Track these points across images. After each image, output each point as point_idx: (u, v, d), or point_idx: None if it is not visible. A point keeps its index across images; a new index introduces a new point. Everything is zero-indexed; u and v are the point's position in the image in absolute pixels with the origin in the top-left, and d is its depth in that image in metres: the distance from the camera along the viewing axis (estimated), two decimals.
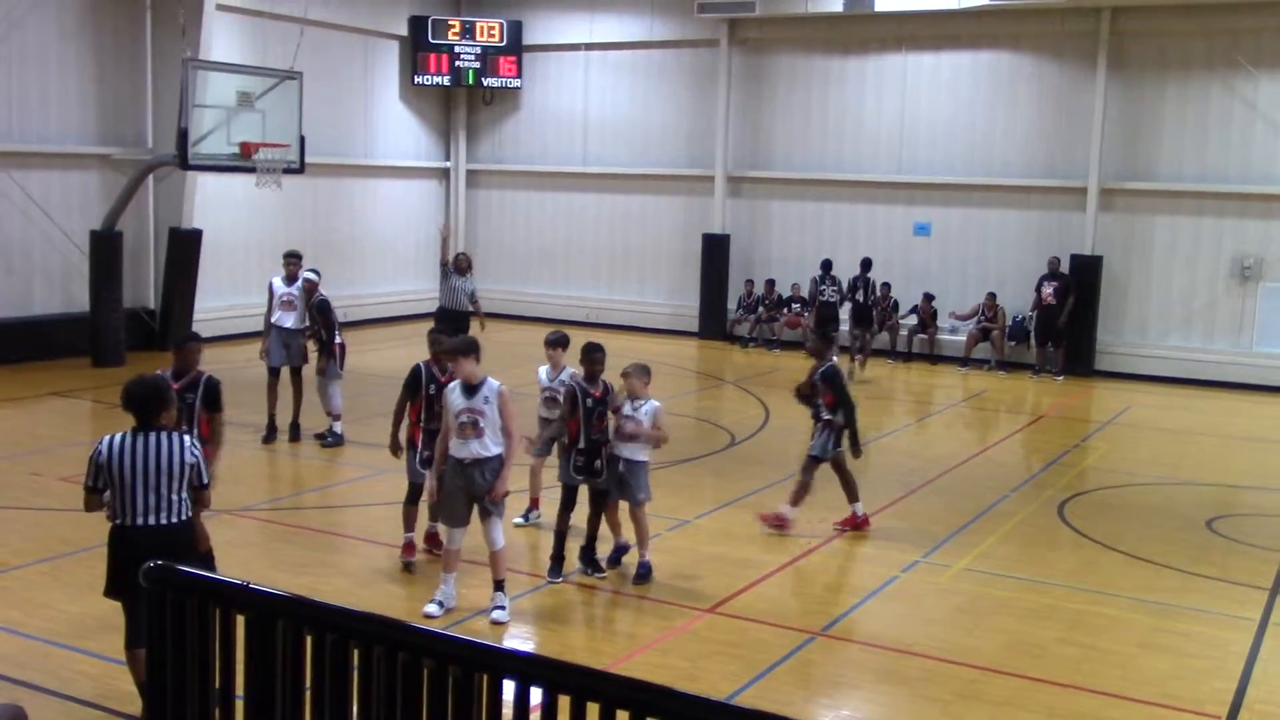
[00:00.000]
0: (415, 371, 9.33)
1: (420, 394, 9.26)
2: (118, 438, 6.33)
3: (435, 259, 25.66)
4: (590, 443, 9.16)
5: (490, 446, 8.16)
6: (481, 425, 8.11)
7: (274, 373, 13.53)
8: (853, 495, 10.76)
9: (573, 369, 9.95)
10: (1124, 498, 12.59)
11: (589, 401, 9.15)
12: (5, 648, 7.35)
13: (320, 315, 13.37)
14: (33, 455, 12.26)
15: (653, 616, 8.63)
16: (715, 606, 8.78)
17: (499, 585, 8.37)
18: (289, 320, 13.48)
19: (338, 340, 13.36)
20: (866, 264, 20.32)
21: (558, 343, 10.31)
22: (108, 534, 6.44)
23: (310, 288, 13.46)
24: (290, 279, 13.59)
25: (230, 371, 14.20)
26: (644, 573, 9.18)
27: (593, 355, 9.18)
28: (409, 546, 9.43)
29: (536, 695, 4.05)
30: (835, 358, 10.58)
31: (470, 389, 8.14)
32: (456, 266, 17.40)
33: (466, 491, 8.21)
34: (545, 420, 10.24)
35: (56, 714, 6.73)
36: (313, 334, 13.56)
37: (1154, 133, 20.07)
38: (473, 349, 8.21)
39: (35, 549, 9.09)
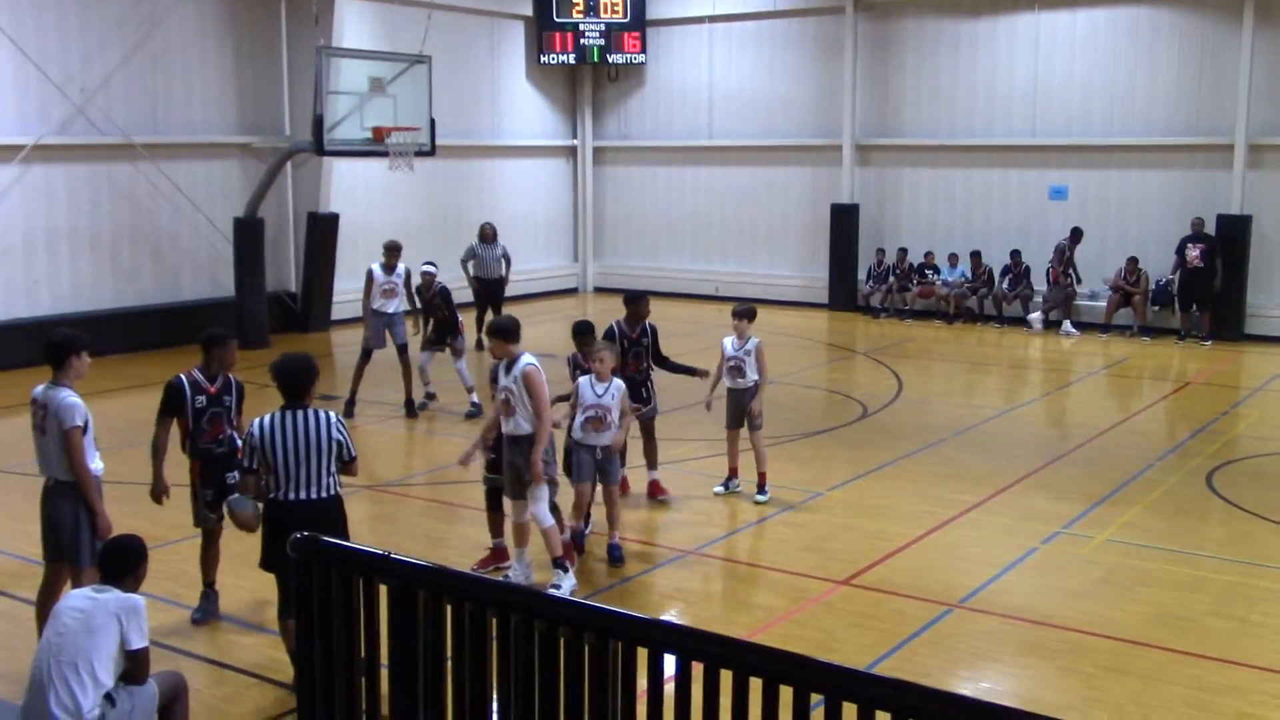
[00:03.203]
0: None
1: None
2: (268, 418, 6.56)
3: (567, 235, 26.17)
4: (628, 379, 9.87)
5: (522, 424, 8.14)
6: (512, 403, 8.13)
7: (367, 355, 14.07)
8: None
9: (758, 339, 10.49)
10: (1278, 466, 12.09)
11: (625, 343, 10.29)
12: (164, 619, 7.68)
13: (444, 302, 13.96)
14: None
15: (787, 589, 8.60)
16: (850, 578, 8.72)
17: (556, 562, 8.31)
18: (391, 306, 14.06)
19: (459, 320, 14.09)
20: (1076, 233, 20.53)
21: (744, 314, 10.51)
22: (264, 509, 6.69)
23: (430, 280, 13.96)
24: (389, 268, 14.13)
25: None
26: (617, 555, 9.00)
27: (637, 304, 10.49)
28: (494, 554, 8.90)
29: (671, 663, 4.08)
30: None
31: (509, 367, 8.20)
32: (482, 236, 18.01)
33: (513, 467, 8.29)
34: (732, 391, 10.50)
35: (214, 682, 7.03)
36: (440, 319, 14.04)
37: None
38: (500, 332, 8.22)
39: (189, 524, 9.45)
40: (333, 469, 6.61)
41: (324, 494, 6.57)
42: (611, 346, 9.26)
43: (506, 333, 8.26)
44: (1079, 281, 20.50)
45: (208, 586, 8.02)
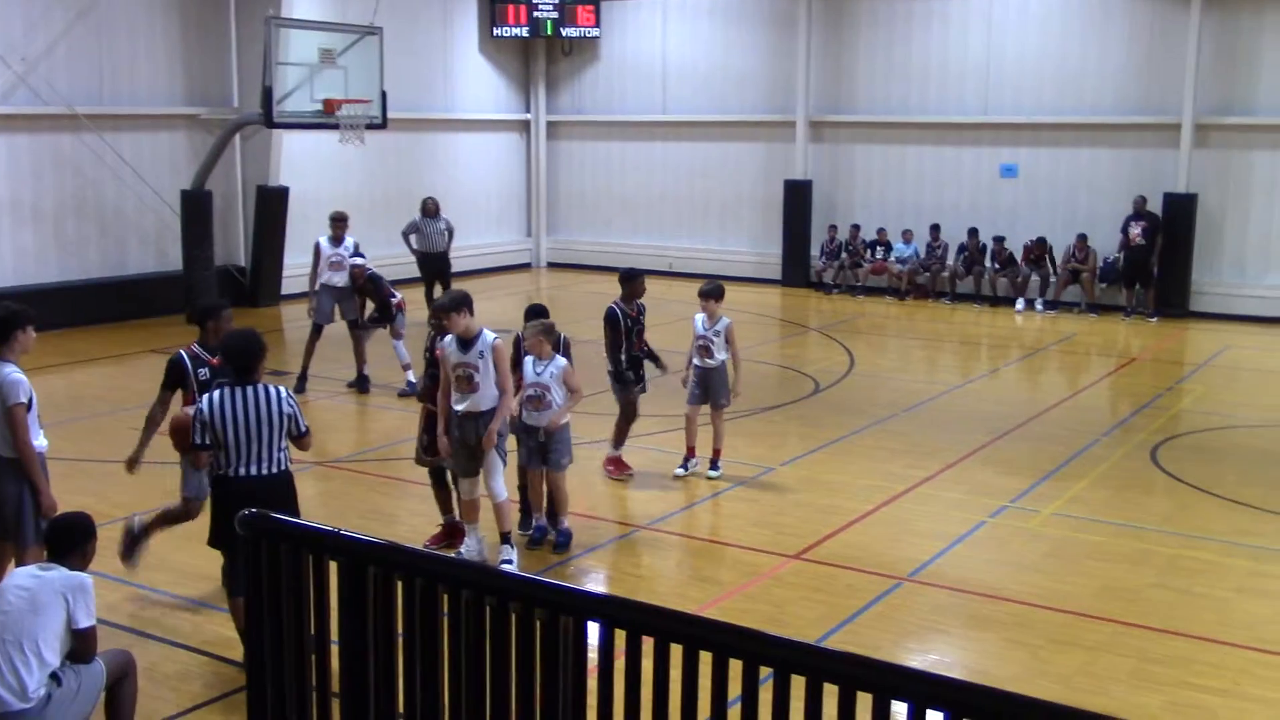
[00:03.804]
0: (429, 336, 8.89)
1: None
2: (217, 394, 6.48)
3: (520, 210, 26.02)
4: (634, 358, 10.39)
5: (485, 400, 8.08)
6: (476, 379, 8.04)
7: (318, 330, 13.97)
8: None
9: (729, 319, 10.52)
10: (1221, 441, 12.30)
11: (628, 322, 10.34)
12: (113, 597, 7.60)
13: (375, 288, 13.84)
14: (133, 411, 12.57)
15: (739, 563, 8.66)
16: (801, 553, 8.79)
17: (504, 537, 8.32)
18: (338, 279, 13.91)
19: (396, 300, 13.87)
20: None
21: (711, 294, 10.47)
22: (212, 485, 6.63)
23: (359, 273, 13.81)
24: (336, 240, 14.03)
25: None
26: (564, 540, 8.83)
27: (634, 282, 10.48)
28: (446, 530, 8.84)
29: (621, 638, 4.09)
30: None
31: (465, 343, 8.06)
32: (424, 210, 17.95)
33: (466, 444, 8.19)
34: (699, 370, 10.48)
35: (162, 660, 6.96)
36: (378, 302, 13.92)
37: (1252, 64, 19.35)
38: (460, 304, 8.08)
39: (138, 501, 9.35)
40: (283, 444, 6.55)
41: (274, 469, 6.50)
42: (544, 327, 8.85)
43: (469, 305, 8.14)
44: (1054, 273, 20.58)
45: (143, 536, 7.90)
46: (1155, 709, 6.46)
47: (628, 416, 10.55)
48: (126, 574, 8.07)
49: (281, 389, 6.61)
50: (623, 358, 10.38)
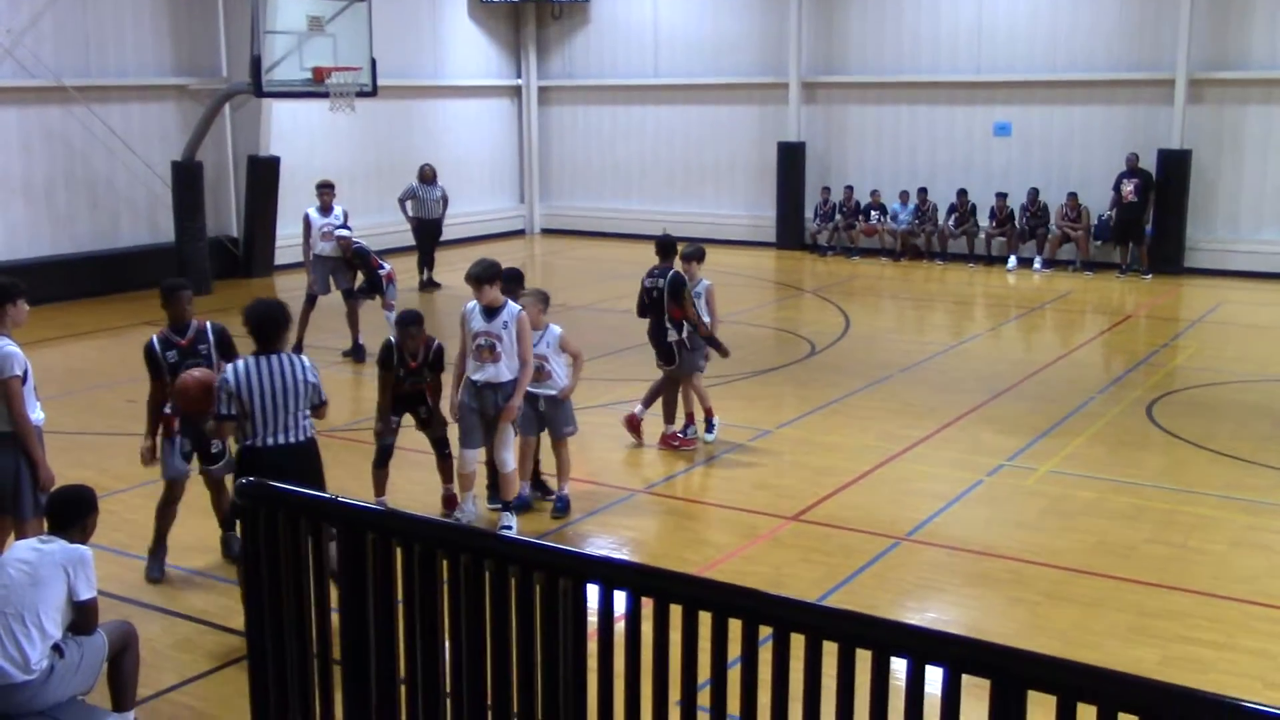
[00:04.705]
0: (386, 348, 8.61)
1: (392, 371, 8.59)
2: (241, 363, 6.48)
3: (513, 176, 25.90)
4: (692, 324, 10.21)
5: (505, 372, 8.06)
6: (499, 350, 8.02)
7: (311, 300, 14.03)
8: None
9: (709, 281, 10.45)
10: (1215, 396, 12.33)
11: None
12: (113, 568, 7.61)
13: (362, 261, 13.81)
14: (129, 383, 12.56)
15: (737, 525, 8.68)
16: (799, 514, 8.81)
17: (506, 505, 8.35)
18: (330, 249, 13.90)
19: (385, 271, 13.83)
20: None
21: (693, 256, 10.40)
22: (237, 455, 6.62)
23: (346, 245, 13.78)
24: (325, 209, 14.00)
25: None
26: (561, 506, 8.80)
27: (677, 248, 10.23)
28: None
29: (621, 600, 4.10)
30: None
31: (490, 312, 8.05)
32: (422, 177, 17.99)
33: (480, 414, 8.17)
34: None
35: (163, 630, 6.99)
36: (366, 275, 13.90)
37: (1245, 18, 19.24)
38: (494, 275, 8.04)
39: (138, 473, 9.32)
40: (306, 412, 6.56)
41: (300, 437, 6.51)
42: (540, 295, 8.81)
43: (500, 275, 8.06)
44: (1045, 227, 20.53)
45: (159, 543, 7.83)
46: (1151, 663, 6.50)
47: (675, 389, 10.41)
48: (126, 546, 8.09)
49: (305, 358, 6.62)
50: (685, 324, 10.13)
